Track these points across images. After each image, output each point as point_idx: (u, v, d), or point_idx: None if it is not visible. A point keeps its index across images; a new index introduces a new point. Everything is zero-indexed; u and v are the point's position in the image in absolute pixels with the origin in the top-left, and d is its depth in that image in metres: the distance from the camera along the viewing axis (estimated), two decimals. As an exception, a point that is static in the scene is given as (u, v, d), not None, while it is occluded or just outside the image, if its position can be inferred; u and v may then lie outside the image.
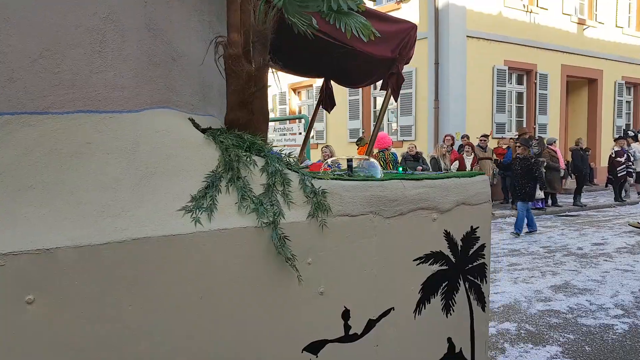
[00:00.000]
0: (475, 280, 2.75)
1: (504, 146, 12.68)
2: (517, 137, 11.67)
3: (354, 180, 2.27)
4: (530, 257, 7.38)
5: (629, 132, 15.85)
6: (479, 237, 2.75)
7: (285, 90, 17.07)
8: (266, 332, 1.99)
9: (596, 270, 6.55)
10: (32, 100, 1.85)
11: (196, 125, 2.23)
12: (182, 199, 1.92)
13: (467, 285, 2.71)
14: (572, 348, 4.07)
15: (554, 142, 12.87)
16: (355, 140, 10.29)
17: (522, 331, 4.46)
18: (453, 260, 2.63)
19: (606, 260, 7.10)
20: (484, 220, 2.77)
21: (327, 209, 2.13)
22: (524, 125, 14.37)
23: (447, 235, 2.59)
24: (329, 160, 2.92)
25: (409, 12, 12.92)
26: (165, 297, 1.77)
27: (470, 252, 2.72)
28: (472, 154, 11.32)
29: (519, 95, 15.04)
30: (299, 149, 6.11)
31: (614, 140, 14.18)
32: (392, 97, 3.69)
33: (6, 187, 1.72)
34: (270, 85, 2.53)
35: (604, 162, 15.75)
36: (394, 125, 14.22)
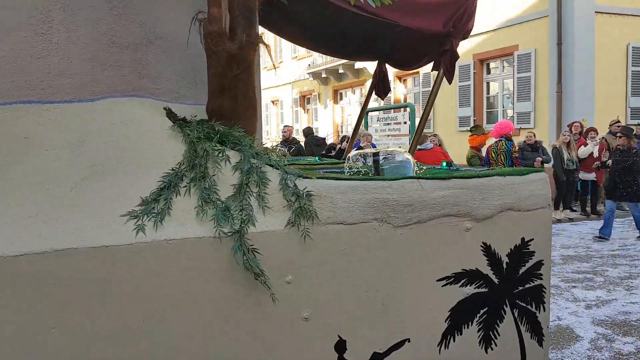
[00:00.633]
0: (528, 307, 2.16)
1: None
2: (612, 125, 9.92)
3: (351, 179, 1.83)
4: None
5: None
6: (533, 251, 2.15)
7: (390, 78, 16.47)
8: (230, 365, 1.64)
9: None
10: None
11: (172, 116, 1.94)
12: (132, 202, 1.63)
13: (515, 313, 2.13)
14: None
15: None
16: (469, 127, 9.39)
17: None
18: (496, 281, 2.08)
19: None
20: (541, 231, 2.16)
21: (312, 215, 1.72)
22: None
23: (487, 250, 2.05)
24: (352, 153, 2.46)
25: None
26: (97, 320, 1.49)
27: (521, 271, 2.14)
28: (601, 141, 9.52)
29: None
30: (406, 138, 5.57)
31: None
32: (445, 79, 3.13)
33: None
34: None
35: None
36: (510, 112, 13.04)
